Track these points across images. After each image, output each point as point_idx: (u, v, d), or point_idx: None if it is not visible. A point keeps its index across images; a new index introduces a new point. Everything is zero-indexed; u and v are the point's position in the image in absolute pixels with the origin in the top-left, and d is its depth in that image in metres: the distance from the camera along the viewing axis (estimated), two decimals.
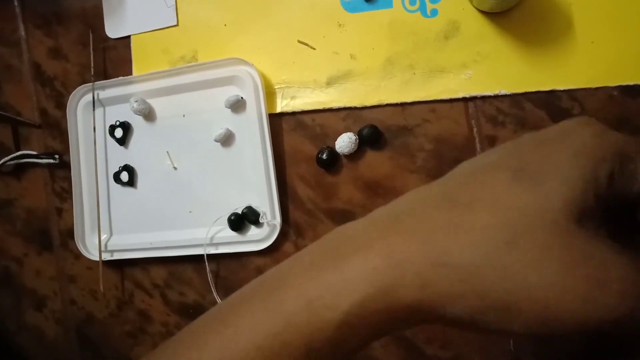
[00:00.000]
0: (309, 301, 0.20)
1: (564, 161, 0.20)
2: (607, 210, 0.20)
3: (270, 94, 0.42)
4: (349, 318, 0.20)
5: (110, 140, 0.47)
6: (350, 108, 0.40)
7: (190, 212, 0.45)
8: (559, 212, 0.19)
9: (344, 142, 0.40)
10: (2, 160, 0.50)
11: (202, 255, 0.44)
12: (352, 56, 0.40)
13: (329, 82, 0.41)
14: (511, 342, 0.19)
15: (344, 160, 0.41)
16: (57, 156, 0.49)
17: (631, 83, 0.34)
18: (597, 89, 0.35)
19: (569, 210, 0.19)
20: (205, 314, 0.24)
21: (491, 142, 0.37)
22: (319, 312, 0.20)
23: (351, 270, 0.20)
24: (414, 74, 0.39)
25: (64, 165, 0.49)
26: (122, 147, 0.47)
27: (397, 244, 0.20)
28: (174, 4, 0.45)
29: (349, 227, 0.23)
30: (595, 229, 0.19)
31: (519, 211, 0.19)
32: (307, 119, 0.42)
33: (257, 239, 0.42)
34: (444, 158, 0.39)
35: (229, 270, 0.45)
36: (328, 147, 0.41)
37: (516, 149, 0.22)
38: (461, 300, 0.19)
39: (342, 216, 0.41)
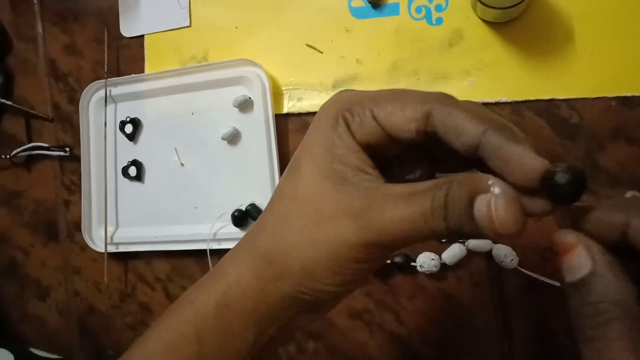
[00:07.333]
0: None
1: (309, 137, 0.24)
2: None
3: (277, 95, 0.43)
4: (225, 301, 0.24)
5: (120, 135, 0.49)
6: None
7: (195, 207, 0.46)
8: (309, 182, 0.23)
9: None
10: (14, 152, 0.51)
11: (205, 250, 0.44)
12: (358, 61, 0.41)
13: (335, 85, 0.42)
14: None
15: None
16: (67, 149, 0.50)
17: (629, 94, 0.35)
18: (595, 99, 0.36)
19: (315, 175, 0.23)
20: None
21: None
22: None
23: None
24: (418, 79, 0.40)
25: (74, 159, 0.50)
26: (131, 143, 0.48)
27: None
28: (188, 5, 0.46)
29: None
30: (353, 170, 0.22)
31: (287, 197, 0.24)
32: (312, 120, 0.43)
33: None
34: None
35: None
36: None
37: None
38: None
39: None
